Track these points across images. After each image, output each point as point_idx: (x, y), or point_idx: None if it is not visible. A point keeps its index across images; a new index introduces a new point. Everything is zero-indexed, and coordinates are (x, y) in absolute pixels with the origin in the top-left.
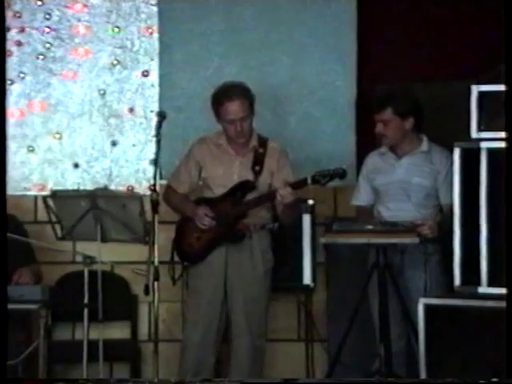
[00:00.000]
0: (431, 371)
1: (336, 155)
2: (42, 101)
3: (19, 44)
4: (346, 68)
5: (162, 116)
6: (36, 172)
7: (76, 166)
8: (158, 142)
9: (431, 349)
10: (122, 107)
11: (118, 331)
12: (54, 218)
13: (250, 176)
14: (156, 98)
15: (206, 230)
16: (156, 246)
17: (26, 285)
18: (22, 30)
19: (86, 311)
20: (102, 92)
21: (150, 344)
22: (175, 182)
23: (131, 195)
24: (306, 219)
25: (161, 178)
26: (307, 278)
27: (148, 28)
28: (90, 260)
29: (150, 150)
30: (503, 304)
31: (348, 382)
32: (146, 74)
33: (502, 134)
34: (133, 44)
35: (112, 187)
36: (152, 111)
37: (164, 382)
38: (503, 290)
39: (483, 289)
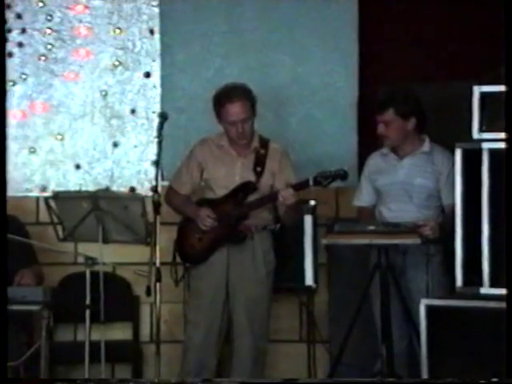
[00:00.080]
0: (433, 372)
1: (338, 156)
2: (43, 102)
3: (21, 45)
4: (348, 69)
5: (163, 117)
6: (38, 173)
7: (78, 167)
8: (160, 143)
9: (433, 350)
10: (123, 108)
11: (120, 332)
12: (55, 219)
13: (251, 177)
14: (158, 99)
15: (208, 231)
16: (158, 247)
17: (27, 286)
18: (24, 31)
19: (87, 312)
20: (103, 93)
21: (151, 345)
22: (177, 183)
23: (133, 196)
24: (308, 220)
25: (162, 179)
26: (309, 279)
27: (149, 29)
28: (91, 261)
29: (152, 151)
30: (505, 304)
31: (348, 382)
32: (147, 75)
33: (504, 135)
34: (134, 45)
35: (114, 188)
36: (154, 112)
37: (165, 382)
38: (505, 291)
39: (485, 289)
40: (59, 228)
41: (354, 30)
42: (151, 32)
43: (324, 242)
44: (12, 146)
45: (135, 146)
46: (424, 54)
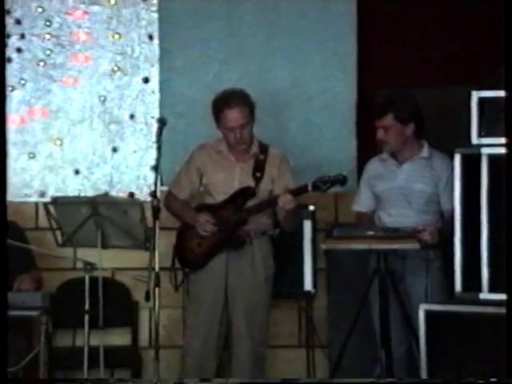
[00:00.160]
0: (432, 377)
1: (337, 161)
2: (42, 107)
3: (19, 50)
4: (347, 74)
5: (162, 122)
6: (37, 178)
7: (77, 172)
8: (159, 149)
9: (432, 354)
10: (122, 113)
11: (119, 337)
12: (54, 225)
13: (250, 182)
14: (156, 104)
15: (207, 236)
16: (157, 252)
17: (26, 291)
18: (23, 37)
19: (86, 318)
20: (102, 98)
21: (150, 350)
22: (176, 189)
23: (132, 201)
24: (307, 225)
25: (161, 185)
26: (308, 284)
27: (148, 34)
28: (90, 266)
29: (151, 157)
30: (504, 310)
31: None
32: (146, 80)
33: (503, 140)
34: (133, 50)
35: (113, 193)
36: (152, 117)
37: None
38: (504, 296)
39: (484, 295)
40: (58, 233)
41: (353, 34)
42: (150, 37)
43: (323, 247)
44: (11, 152)
45: (134, 152)
46: (423, 59)
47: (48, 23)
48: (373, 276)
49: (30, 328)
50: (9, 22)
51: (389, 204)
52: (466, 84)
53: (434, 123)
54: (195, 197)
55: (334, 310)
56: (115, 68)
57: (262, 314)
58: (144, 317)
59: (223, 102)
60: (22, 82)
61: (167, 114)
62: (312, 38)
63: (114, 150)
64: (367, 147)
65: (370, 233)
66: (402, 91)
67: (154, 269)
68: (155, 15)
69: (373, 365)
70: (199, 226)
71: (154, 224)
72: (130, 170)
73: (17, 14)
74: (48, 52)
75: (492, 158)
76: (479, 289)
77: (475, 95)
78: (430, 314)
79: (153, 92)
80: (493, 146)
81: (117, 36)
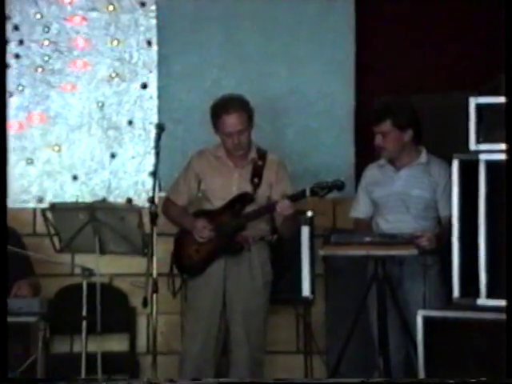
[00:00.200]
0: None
1: (335, 167)
2: (40, 113)
3: (18, 57)
4: (345, 80)
5: (160, 128)
6: (35, 184)
7: (75, 178)
8: (157, 154)
9: (430, 361)
10: (120, 119)
11: (117, 344)
12: (52, 231)
13: (248, 188)
14: (155, 110)
15: (205, 242)
16: (155, 258)
17: (24, 297)
18: (21, 43)
19: (84, 324)
20: (100, 104)
21: (148, 356)
22: (174, 194)
23: (130, 207)
24: (305, 231)
25: (160, 190)
26: (306, 290)
27: (147, 40)
28: (88, 272)
29: (149, 162)
30: (502, 316)
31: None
32: (144, 86)
33: (501, 146)
34: (131, 56)
35: (111, 199)
36: (151, 123)
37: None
38: (502, 302)
39: (482, 301)
40: (56, 239)
41: (351, 40)
42: (148, 43)
43: (321, 252)
44: (9, 158)
45: (132, 157)
46: (421, 65)
47: (46, 29)
48: (371, 282)
49: (27, 334)
50: (7, 28)
51: (387, 210)
52: (464, 90)
53: (432, 129)
54: (193, 203)
55: (332, 315)
56: (113, 74)
57: (260, 319)
58: (142, 323)
59: (221, 108)
60: (20, 88)
61: (165, 119)
62: (310, 44)
63: (112, 155)
64: (365, 153)
65: (368, 239)
66: (400, 97)
67: (151, 275)
68: (153, 21)
69: (371, 371)
70: (196, 232)
71: (152, 230)
72: (128, 175)
73: (15, 20)
74: (46, 58)
75: (490, 164)
76: (477, 295)
77: (473, 101)
78: (428, 320)
79: (151, 98)
80: (491, 152)
81: (115, 42)
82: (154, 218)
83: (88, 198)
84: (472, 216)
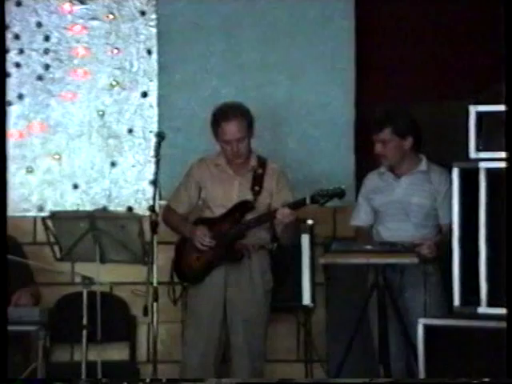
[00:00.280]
0: None
1: (335, 175)
2: (41, 122)
3: (18, 65)
4: (345, 88)
5: (160, 136)
6: (35, 193)
7: (75, 186)
8: (157, 163)
9: (431, 369)
10: (121, 128)
11: (117, 352)
12: (52, 239)
13: (249, 196)
14: (155, 118)
15: (205, 250)
16: (155, 267)
17: (24, 306)
18: (21, 52)
19: (84, 332)
20: (100, 113)
21: (148, 365)
22: (175, 203)
23: (130, 216)
24: (305, 239)
25: (160, 199)
26: (306, 299)
27: (147, 49)
28: (88, 281)
29: (149, 171)
30: (503, 324)
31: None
32: (144, 94)
33: (501, 154)
34: (132, 65)
35: (111, 208)
36: (151, 132)
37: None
38: (503, 311)
39: (483, 309)
40: (56, 248)
41: (351, 49)
42: (149, 52)
43: (321, 261)
44: (9, 166)
45: (133, 166)
46: (421, 73)
47: (47, 38)
48: (371, 290)
49: (27, 343)
50: (7, 37)
51: (387, 218)
52: (464, 98)
53: (432, 137)
54: (194, 211)
55: (333, 324)
56: (114, 83)
57: (261, 328)
58: (142, 331)
59: (221, 115)
60: (21, 96)
61: (166, 128)
62: (310, 52)
63: (113, 164)
64: (365, 161)
65: (369, 247)
66: (400, 105)
67: (152, 283)
68: (154, 30)
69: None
70: (196, 240)
71: (152, 238)
72: (129, 184)
73: (15, 28)
74: (46, 67)
75: (490, 172)
76: (478, 303)
77: (473, 109)
78: (428, 329)
79: (151, 106)
80: (491, 160)
81: (115, 51)
82: (154, 226)
83: (88, 207)
84: (472, 224)
